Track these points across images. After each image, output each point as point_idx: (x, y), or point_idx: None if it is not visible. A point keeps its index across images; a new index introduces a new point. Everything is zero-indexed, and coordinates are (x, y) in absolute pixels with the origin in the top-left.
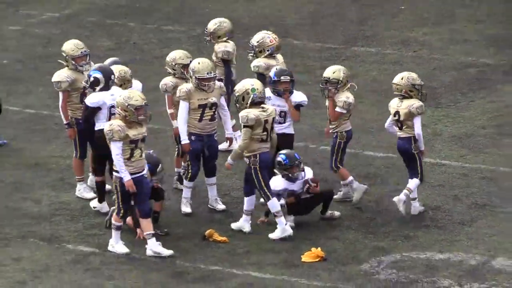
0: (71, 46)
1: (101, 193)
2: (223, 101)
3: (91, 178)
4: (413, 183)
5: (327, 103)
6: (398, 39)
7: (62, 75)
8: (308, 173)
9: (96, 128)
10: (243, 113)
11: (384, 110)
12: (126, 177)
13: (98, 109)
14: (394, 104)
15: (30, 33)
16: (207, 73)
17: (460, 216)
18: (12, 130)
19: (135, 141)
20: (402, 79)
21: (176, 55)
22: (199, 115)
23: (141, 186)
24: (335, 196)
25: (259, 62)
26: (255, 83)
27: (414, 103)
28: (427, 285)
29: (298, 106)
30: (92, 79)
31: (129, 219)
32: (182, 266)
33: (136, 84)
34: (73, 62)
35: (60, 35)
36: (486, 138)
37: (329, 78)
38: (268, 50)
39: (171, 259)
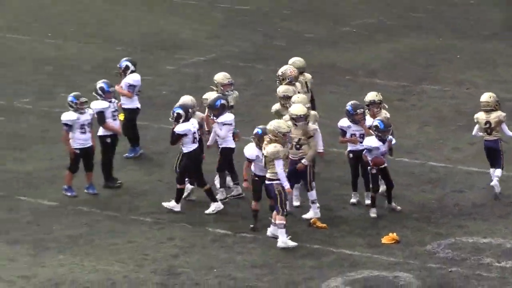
0: (221, 76)
1: (179, 197)
2: None
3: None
4: (498, 172)
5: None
6: (454, 80)
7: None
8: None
9: (185, 151)
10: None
11: (442, 131)
12: (287, 185)
13: (184, 135)
14: (483, 116)
15: (183, 72)
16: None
17: (499, 211)
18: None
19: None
20: (490, 97)
21: (219, 76)
22: None
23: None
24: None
25: (287, 88)
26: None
27: (501, 114)
28: (474, 262)
29: (370, 128)
30: (175, 114)
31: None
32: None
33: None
34: (222, 88)
35: (205, 74)
36: None
37: (374, 101)
38: (288, 79)
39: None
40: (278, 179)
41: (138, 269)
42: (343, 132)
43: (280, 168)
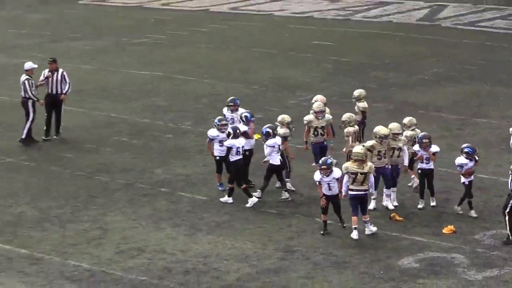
0: (316, 105)
1: (230, 192)
2: None
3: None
4: None
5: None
6: (499, 115)
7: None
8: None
9: (231, 160)
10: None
11: (489, 153)
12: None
13: (231, 148)
14: None
15: (301, 105)
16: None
17: None
18: None
19: None
20: None
21: (315, 105)
22: None
23: None
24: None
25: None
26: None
27: None
28: (510, 248)
29: (434, 153)
30: (227, 132)
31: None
32: (377, 232)
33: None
34: (315, 114)
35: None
36: None
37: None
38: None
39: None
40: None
41: (265, 247)
42: (416, 154)
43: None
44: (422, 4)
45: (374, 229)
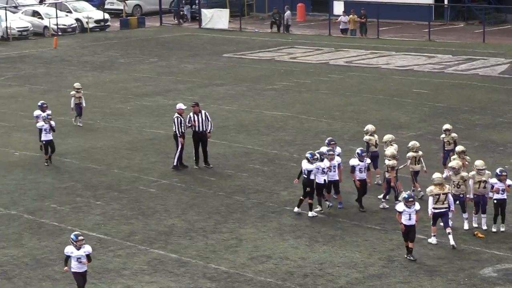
0: (386, 136)
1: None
2: None
3: None
4: None
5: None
6: None
7: None
8: None
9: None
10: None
11: None
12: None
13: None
14: None
15: (401, 141)
16: None
17: None
18: None
19: None
20: None
21: (386, 137)
22: None
23: None
24: None
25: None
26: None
27: None
28: None
29: (509, 186)
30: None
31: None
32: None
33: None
34: (387, 143)
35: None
36: None
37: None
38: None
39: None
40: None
41: (370, 256)
42: (493, 186)
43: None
44: (503, 60)
45: (452, 243)
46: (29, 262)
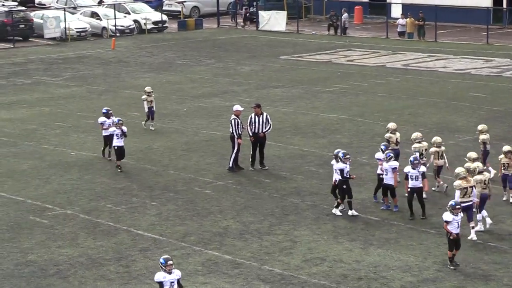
0: (434, 139)
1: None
2: None
3: None
4: None
5: None
6: None
7: None
8: None
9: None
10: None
11: None
12: None
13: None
14: None
15: (459, 145)
16: None
17: None
18: None
19: None
20: None
21: (434, 139)
22: None
23: None
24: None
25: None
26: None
27: None
28: None
29: None
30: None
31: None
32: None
33: None
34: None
35: (468, 147)
36: None
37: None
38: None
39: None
40: None
41: (424, 260)
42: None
43: None
44: None
45: (473, 237)
46: (84, 261)
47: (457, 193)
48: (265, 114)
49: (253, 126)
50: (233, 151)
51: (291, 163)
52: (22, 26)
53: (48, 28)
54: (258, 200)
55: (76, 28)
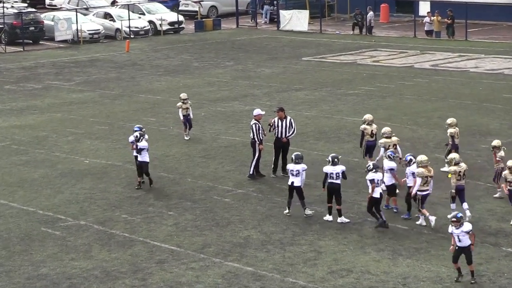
0: None
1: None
2: None
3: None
4: None
5: None
6: None
7: None
8: None
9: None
10: None
11: None
12: None
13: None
14: None
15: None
16: None
17: None
18: None
19: None
20: None
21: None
22: None
23: None
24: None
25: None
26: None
27: None
28: None
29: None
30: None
31: None
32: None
33: None
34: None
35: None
36: None
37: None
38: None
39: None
40: None
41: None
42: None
43: None
44: None
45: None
46: (98, 274)
47: (418, 180)
48: (289, 118)
49: (276, 130)
50: (253, 157)
51: (315, 169)
52: (32, 28)
53: (59, 30)
54: (280, 209)
55: (88, 30)
